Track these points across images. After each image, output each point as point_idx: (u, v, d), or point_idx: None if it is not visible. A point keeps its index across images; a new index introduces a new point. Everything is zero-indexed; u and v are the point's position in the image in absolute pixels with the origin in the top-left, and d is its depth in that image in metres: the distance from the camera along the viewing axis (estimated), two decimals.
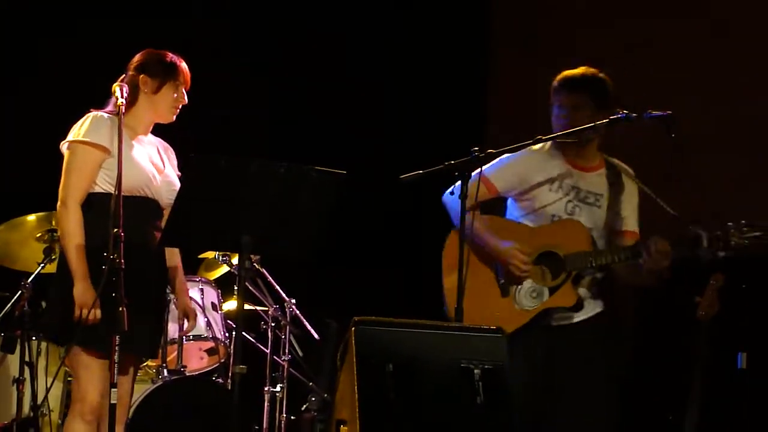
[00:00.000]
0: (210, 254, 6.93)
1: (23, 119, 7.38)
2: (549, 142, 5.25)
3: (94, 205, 4.80)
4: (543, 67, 7.95)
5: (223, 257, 6.84)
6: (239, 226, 4.42)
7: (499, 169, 5.23)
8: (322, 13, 8.33)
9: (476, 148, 4.95)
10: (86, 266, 4.69)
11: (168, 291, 5.21)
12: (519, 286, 5.17)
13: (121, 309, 4.43)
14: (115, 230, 4.50)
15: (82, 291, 4.66)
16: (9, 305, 6.09)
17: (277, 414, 6.84)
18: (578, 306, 5.17)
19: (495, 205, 5.42)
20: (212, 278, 7.07)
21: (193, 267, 7.10)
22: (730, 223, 5.01)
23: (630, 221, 5.31)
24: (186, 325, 5.18)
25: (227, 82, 7.91)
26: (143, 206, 4.83)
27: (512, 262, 5.13)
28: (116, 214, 4.53)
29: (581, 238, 5.17)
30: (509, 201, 5.39)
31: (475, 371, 4.35)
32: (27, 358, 5.98)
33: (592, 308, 5.26)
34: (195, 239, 4.63)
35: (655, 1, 7.92)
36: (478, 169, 5.09)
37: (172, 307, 5.47)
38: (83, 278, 4.68)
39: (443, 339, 4.42)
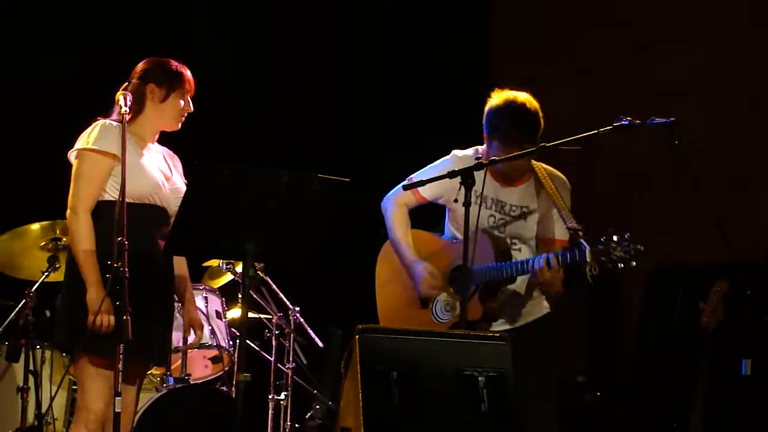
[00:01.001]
0: (214, 262, 6.94)
1: (26, 128, 7.38)
2: (480, 153, 5.26)
3: (103, 212, 4.79)
4: (544, 69, 8.01)
5: (227, 265, 6.84)
6: (243, 234, 4.42)
7: (425, 176, 5.25)
8: (324, 18, 8.34)
9: (479, 156, 4.96)
10: (98, 273, 4.69)
11: (176, 299, 5.21)
12: (436, 299, 5.24)
13: (125, 318, 4.43)
14: (119, 239, 4.50)
15: (95, 297, 4.65)
16: (13, 314, 6.09)
17: (282, 422, 6.83)
18: (488, 318, 5.18)
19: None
20: (216, 286, 7.07)
21: (197, 275, 7.10)
22: (615, 237, 4.94)
23: (557, 230, 5.26)
24: (193, 337, 5.18)
25: (230, 89, 7.92)
26: (152, 214, 4.84)
27: (419, 281, 5.24)
28: (120, 222, 4.53)
29: (488, 252, 5.17)
30: (447, 212, 5.43)
31: (479, 378, 4.35)
32: (31, 367, 5.98)
33: (532, 311, 5.27)
34: (199, 247, 4.63)
35: (656, 3, 7.92)
36: (407, 179, 5.24)
37: (177, 315, 5.46)
38: (96, 285, 4.67)
39: (447, 346, 4.42)
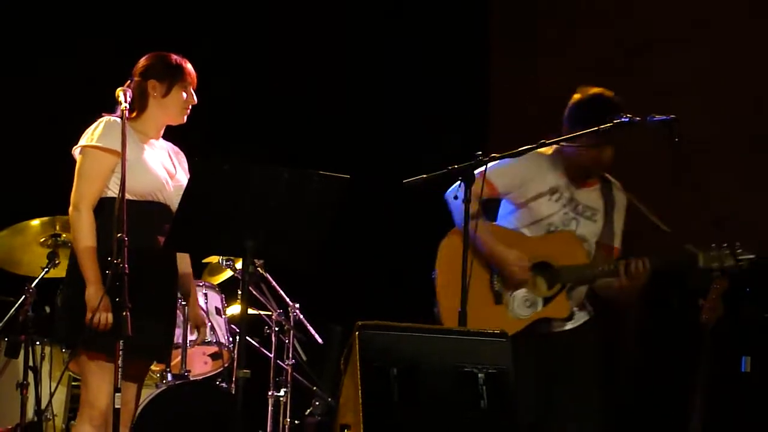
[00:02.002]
0: (214, 259, 6.95)
1: (27, 124, 7.38)
2: (552, 152, 5.27)
3: (105, 209, 4.78)
4: (544, 68, 8.01)
5: (226, 262, 6.84)
6: (243, 231, 4.42)
7: (501, 169, 5.20)
8: (325, 17, 8.34)
9: (479, 152, 4.96)
10: (98, 270, 4.69)
11: (179, 296, 5.21)
12: (513, 295, 5.20)
13: (124, 314, 4.43)
14: (119, 235, 4.50)
15: (95, 294, 4.65)
16: (13, 310, 6.09)
17: (281, 418, 6.84)
18: (571, 316, 5.21)
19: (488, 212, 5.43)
20: (216, 283, 7.07)
21: (197, 271, 7.09)
22: (724, 245, 5.01)
23: (618, 238, 5.36)
24: (196, 335, 5.19)
25: (231, 86, 7.92)
26: (155, 211, 4.83)
27: (512, 268, 5.15)
28: (120, 219, 4.53)
29: (576, 251, 5.20)
30: (506, 207, 5.39)
31: (479, 375, 4.35)
32: (31, 363, 5.98)
33: (579, 318, 5.30)
34: (199, 244, 4.63)
35: (657, 3, 7.92)
36: (481, 167, 5.09)
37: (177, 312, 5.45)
38: (95, 282, 4.67)
39: (447, 343, 4.42)
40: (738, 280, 5.87)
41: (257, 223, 4.42)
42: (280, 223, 4.46)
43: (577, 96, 5.29)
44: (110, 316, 4.60)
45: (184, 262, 5.09)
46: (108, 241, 4.63)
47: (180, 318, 6.14)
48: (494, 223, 5.38)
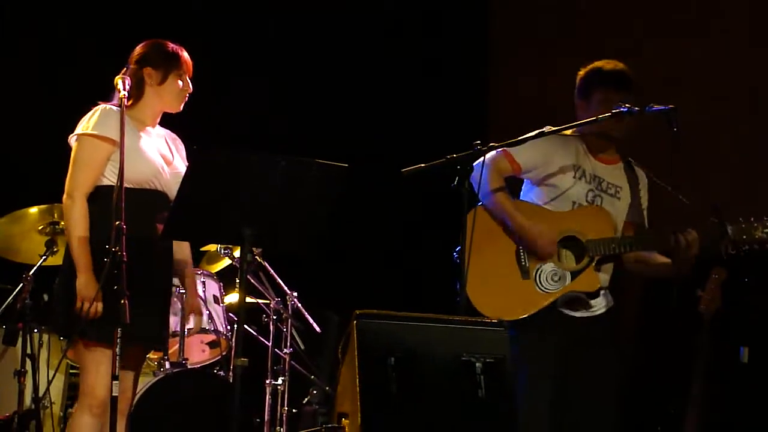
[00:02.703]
0: (212, 247, 6.94)
1: (26, 112, 7.37)
2: (571, 132, 5.26)
3: (101, 197, 4.80)
4: (543, 59, 8.00)
5: (224, 250, 6.84)
6: (241, 219, 4.41)
7: (522, 147, 5.12)
8: (325, 9, 8.33)
9: (478, 142, 4.95)
10: (89, 258, 4.70)
11: (177, 284, 5.20)
12: (540, 269, 5.14)
13: (123, 302, 4.43)
14: (117, 223, 4.49)
15: (85, 283, 4.67)
16: (11, 298, 6.09)
17: (279, 407, 6.84)
18: (597, 293, 5.17)
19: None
20: (214, 271, 7.07)
21: (195, 260, 7.09)
22: (752, 219, 5.03)
23: (643, 217, 5.34)
24: (192, 322, 5.18)
25: (230, 75, 7.92)
26: (152, 199, 4.84)
27: (540, 241, 5.11)
28: (118, 207, 4.53)
29: (605, 225, 5.17)
30: (527, 187, 5.35)
31: (477, 364, 4.35)
32: (29, 351, 5.98)
33: (606, 302, 5.26)
34: (197, 232, 4.63)
35: (656, 3, 7.91)
36: (500, 148, 5.07)
37: (174, 299, 5.46)
38: (86, 270, 4.69)
39: (445, 332, 4.41)
40: (737, 271, 5.88)
41: (255, 211, 4.42)
42: (278, 211, 4.46)
43: (582, 70, 5.29)
44: (100, 305, 4.63)
45: (183, 249, 5.09)
46: (103, 230, 4.65)
47: (178, 306, 6.15)
48: (518, 200, 5.33)
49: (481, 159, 4.99)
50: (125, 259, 4.46)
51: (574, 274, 5.14)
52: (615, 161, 5.35)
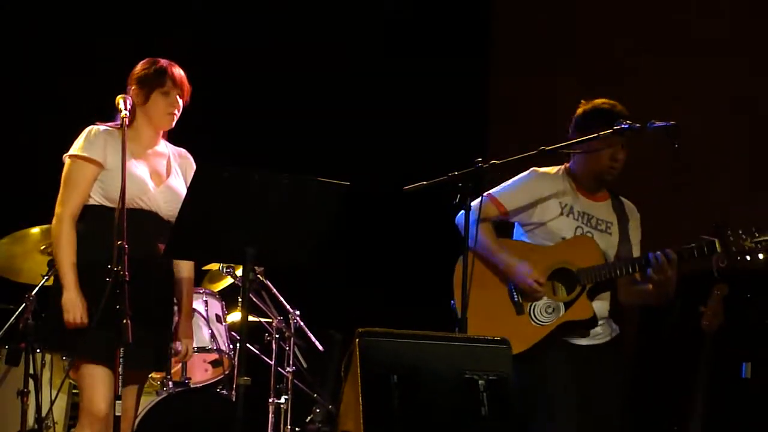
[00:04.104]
0: (214, 266, 6.94)
1: (27, 132, 7.38)
2: (556, 171, 5.29)
3: (89, 217, 4.84)
4: (545, 77, 8.01)
5: (227, 269, 6.84)
6: (243, 238, 4.42)
7: (509, 190, 5.25)
8: (326, 22, 8.35)
9: (479, 159, 4.96)
10: (76, 277, 4.74)
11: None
12: (534, 304, 5.19)
13: (125, 321, 4.43)
14: (119, 242, 4.50)
15: (70, 300, 4.71)
16: (13, 318, 6.09)
17: (282, 426, 6.83)
18: (594, 321, 5.19)
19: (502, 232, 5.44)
20: (216, 290, 7.07)
21: (198, 278, 7.10)
22: (740, 230, 5.03)
23: (636, 250, 5.36)
24: (180, 347, 5.14)
25: (232, 92, 7.93)
26: (139, 218, 4.81)
27: (526, 281, 5.16)
28: (120, 227, 4.53)
29: (593, 253, 5.20)
30: (517, 229, 5.41)
31: (480, 382, 4.35)
32: (31, 371, 5.97)
33: (610, 330, 5.29)
34: (199, 251, 4.63)
35: (658, 10, 7.92)
36: (486, 193, 5.16)
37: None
38: (71, 288, 4.73)
39: (447, 350, 4.42)
40: (739, 286, 5.88)
41: (257, 230, 4.42)
42: (279, 229, 4.46)
43: (581, 107, 5.30)
44: (86, 317, 4.69)
45: (185, 267, 5.09)
46: (91, 249, 4.73)
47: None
48: (506, 239, 5.38)
49: (474, 203, 5.05)
50: (128, 279, 4.47)
51: (568, 305, 5.18)
52: (603, 198, 5.39)
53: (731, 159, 7.47)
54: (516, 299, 5.22)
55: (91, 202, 4.86)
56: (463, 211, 5.09)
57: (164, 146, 5.05)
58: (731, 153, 7.47)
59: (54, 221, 4.85)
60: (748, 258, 5.00)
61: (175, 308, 5.15)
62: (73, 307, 4.71)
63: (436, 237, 5.47)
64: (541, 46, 8.41)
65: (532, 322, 5.18)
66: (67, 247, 4.78)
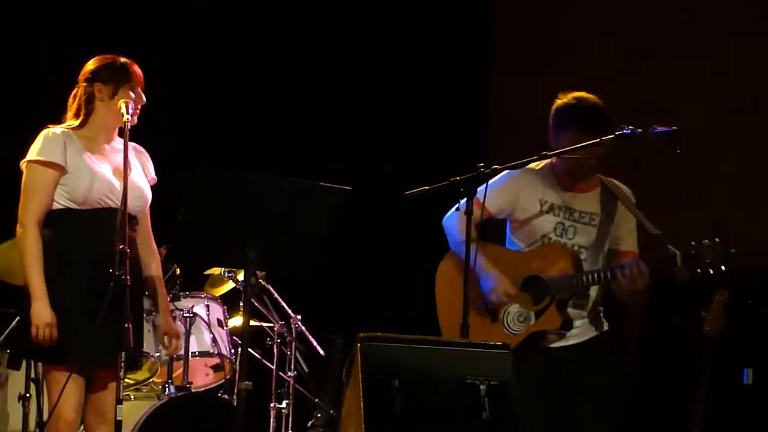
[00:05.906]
0: (215, 270, 6.95)
1: (26, 136, 7.36)
2: (541, 167, 5.29)
3: (53, 222, 4.80)
4: (545, 78, 8.01)
5: (228, 273, 6.84)
6: (244, 242, 4.42)
7: (489, 190, 5.16)
8: (325, 24, 8.35)
9: (481, 164, 4.96)
10: (44, 286, 4.70)
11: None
12: (507, 311, 5.21)
13: (126, 326, 4.43)
14: (121, 246, 4.49)
15: (39, 311, 4.68)
16: (14, 322, 6.08)
17: (283, 430, 6.83)
18: (566, 326, 5.19)
19: (499, 223, 5.44)
20: (218, 294, 7.07)
21: (199, 283, 7.10)
22: (705, 241, 4.99)
23: (628, 241, 5.31)
24: (169, 346, 5.11)
25: (232, 92, 7.93)
26: (107, 216, 4.76)
27: (491, 296, 5.18)
28: (122, 231, 4.53)
29: (563, 262, 5.18)
30: (508, 227, 5.42)
31: (481, 387, 4.35)
32: (32, 375, 5.97)
33: (588, 330, 5.27)
34: (200, 254, 4.63)
35: (658, 12, 7.93)
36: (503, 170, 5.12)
37: (178, 323, 5.43)
38: (40, 298, 4.69)
39: (449, 355, 4.42)
40: (740, 292, 5.88)
41: (258, 233, 4.42)
42: (280, 233, 4.46)
43: (558, 101, 5.28)
44: (54, 331, 4.63)
45: (152, 266, 5.05)
46: (57, 254, 4.72)
47: (182, 329, 6.14)
48: (491, 243, 5.38)
49: (453, 210, 5.08)
50: (129, 283, 4.47)
51: (538, 314, 5.19)
52: (590, 188, 5.32)
53: (731, 160, 7.47)
54: (491, 307, 5.24)
55: (56, 206, 4.79)
56: (449, 213, 5.16)
57: (119, 141, 4.97)
58: (731, 154, 7.48)
59: (18, 229, 4.79)
60: (710, 272, 4.97)
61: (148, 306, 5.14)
62: (40, 320, 4.65)
63: (438, 244, 5.46)
64: (541, 46, 8.41)
65: (505, 331, 5.19)
66: (35, 254, 4.73)
